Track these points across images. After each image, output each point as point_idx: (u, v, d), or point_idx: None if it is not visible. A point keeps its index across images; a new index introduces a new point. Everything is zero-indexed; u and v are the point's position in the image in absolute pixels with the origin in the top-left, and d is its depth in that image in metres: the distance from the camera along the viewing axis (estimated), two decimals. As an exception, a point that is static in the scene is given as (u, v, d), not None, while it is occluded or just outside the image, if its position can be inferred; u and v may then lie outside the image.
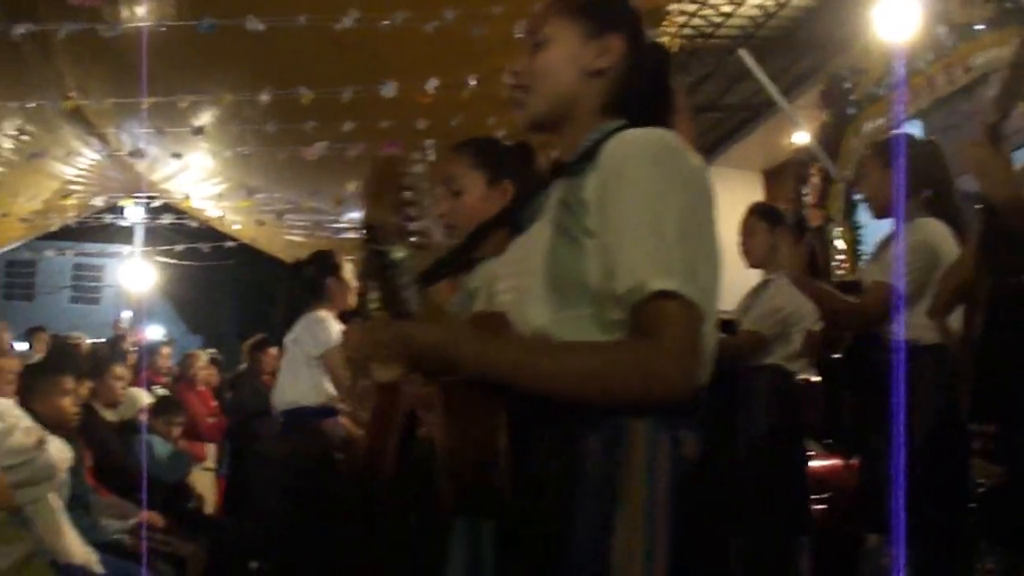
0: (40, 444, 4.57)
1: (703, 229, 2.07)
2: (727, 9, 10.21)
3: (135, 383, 8.87)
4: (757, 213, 5.78)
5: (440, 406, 2.10)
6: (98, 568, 4.96)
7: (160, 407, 8.49)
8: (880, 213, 4.87)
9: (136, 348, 12.17)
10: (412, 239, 2.15)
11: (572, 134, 2.31)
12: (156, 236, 18.12)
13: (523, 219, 2.38)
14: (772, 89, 10.24)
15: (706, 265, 2.04)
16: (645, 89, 2.32)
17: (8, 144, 10.90)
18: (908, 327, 4.50)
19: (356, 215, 12.38)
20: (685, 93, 2.40)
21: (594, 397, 1.99)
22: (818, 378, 5.86)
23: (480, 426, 2.05)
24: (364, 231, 2.13)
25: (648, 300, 1.95)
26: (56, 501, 4.92)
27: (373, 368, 2.08)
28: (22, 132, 10.49)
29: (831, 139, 10.22)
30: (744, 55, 9.95)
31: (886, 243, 4.81)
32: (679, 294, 1.95)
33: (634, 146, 2.09)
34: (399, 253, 2.12)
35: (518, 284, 2.25)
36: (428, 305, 2.26)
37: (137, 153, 11.02)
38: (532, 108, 2.32)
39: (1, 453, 4.29)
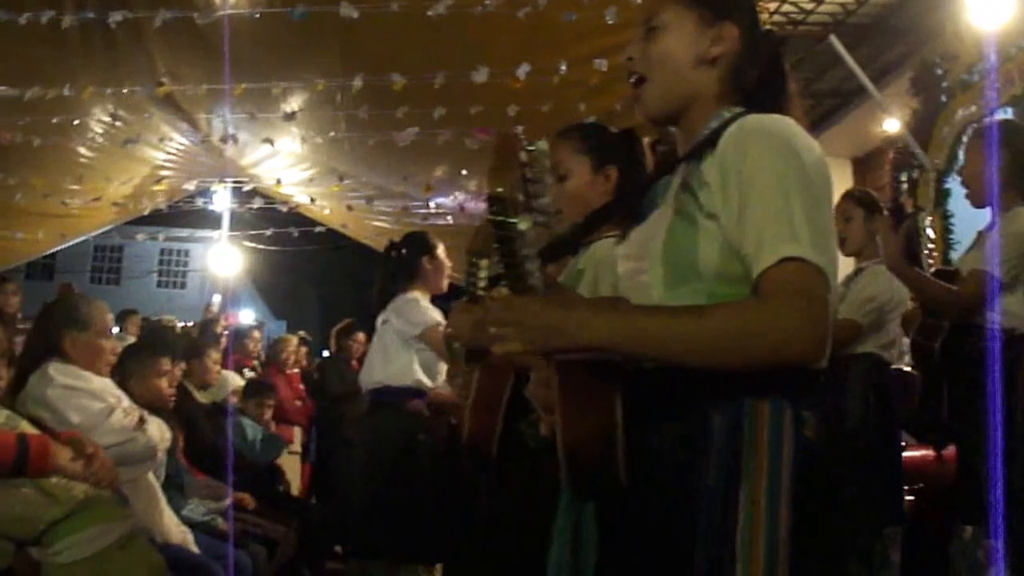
0: (141, 424, 4.63)
1: (825, 211, 2.09)
2: (819, -5, 10.15)
3: (223, 366, 8.95)
4: (854, 199, 5.69)
5: (556, 387, 2.11)
6: (194, 547, 5.02)
7: (252, 389, 8.59)
8: (978, 201, 4.83)
9: (226, 331, 12.27)
10: (535, 215, 2.15)
11: (689, 122, 2.33)
12: (242, 221, 18.26)
13: (644, 206, 2.39)
14: (863, 76, 10.11)
15: (830, 242, 2.06)
16: (760, 76, 2.34)
17: (100, 129, 11.04)
18: (1005, 315, 4.46)
19: (444, 200, 12.42)
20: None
21: (726, 358, 1.99)
22: (909, 368, 5.80)
23: (597, 408, 2.06)
24: (489, 203, 2.13)
25: (776, 265, 1.98)
26: (154, 480, 4.99)
27: (493, 344, 2.06)
28: (115, 118, 10.60)
29: (922, 127, 10.08)
30: (834, 42, 9.83)
31: (985, 232, 4.77)
32: (807, 260, 1.97)
33: (757, 130, 2.12)
34: (524, 224, 2.11)
35: (640, 269, 2.27)
36: (549, 280, 2.27)
37: (228, 138, 11.10)
38: (651, 102, 2.35)
39: (103, 432, 4.34)
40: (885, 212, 5.59)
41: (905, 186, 10.01)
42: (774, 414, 2.04)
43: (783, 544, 1.97)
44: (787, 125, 2.14)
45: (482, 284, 3.61)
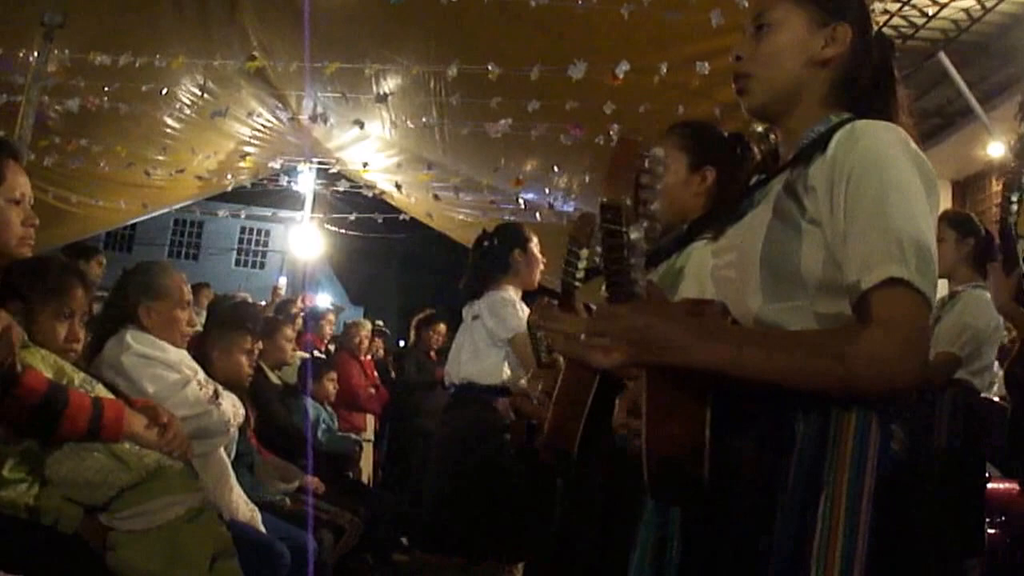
0: (215, 398, 4.58)
1: (931, 229, 2.05)
2: (930, 10, 9.91)
3: (297, 347, 8.91)
4: (946, 220, 5.61)
5: (645, 395, 2.09)
6: (260, 526, 4.97)
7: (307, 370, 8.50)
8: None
9: (303, 312, 12.25)
10: (645, 222, 2.12)
11: (794, 123, 2.31)
12: (325, 204, 18.27)
13: (743, 207, 2.36)
14: (970, 96, 9.92)
15: (933, 264, 2.02)
16: (870, 81, 2.29)
17: (188, 100, 11.05)
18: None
19: (533, 196, 12.33)
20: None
21: (827, 387, 1.98)
22: (998, 398, 5.72)
23: (685, 419, 2.05)
24: (602, 211, 2.09)
25: (880, 286, 1.95)
26: (225, 457, 4.94)
27: (590, 353, 2.04)
28: (204, 90, 10.60)
29: (1028, 153, 9.87)
30: (944, 59, 9.67)
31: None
32: (911, 283, 1.94)
33: (868, 138, 2.09)
34: (635, 233, 2.09)
35: (735, 270, 2.28)
36: (651, 289, 2.22)
37: (318, 117, 11.04)
38: (756, 96, 2.32)
39: (177, 403, 4.29)
40: (982, 233, 5.53)
41: (1015, 207, 9.81)
42: (860, 424, 2.04)
43: (859, 559, 1.95)
44: (899, 135, 2.11)
45: (580, 276, 3.54)
